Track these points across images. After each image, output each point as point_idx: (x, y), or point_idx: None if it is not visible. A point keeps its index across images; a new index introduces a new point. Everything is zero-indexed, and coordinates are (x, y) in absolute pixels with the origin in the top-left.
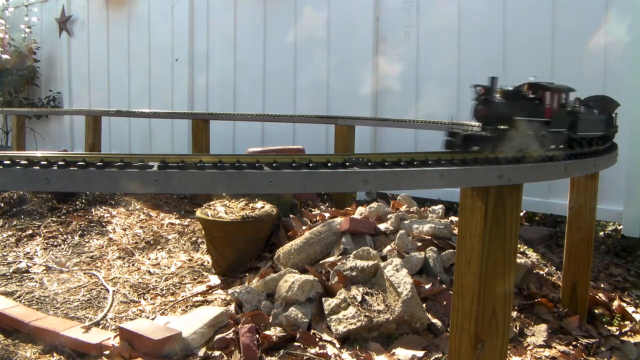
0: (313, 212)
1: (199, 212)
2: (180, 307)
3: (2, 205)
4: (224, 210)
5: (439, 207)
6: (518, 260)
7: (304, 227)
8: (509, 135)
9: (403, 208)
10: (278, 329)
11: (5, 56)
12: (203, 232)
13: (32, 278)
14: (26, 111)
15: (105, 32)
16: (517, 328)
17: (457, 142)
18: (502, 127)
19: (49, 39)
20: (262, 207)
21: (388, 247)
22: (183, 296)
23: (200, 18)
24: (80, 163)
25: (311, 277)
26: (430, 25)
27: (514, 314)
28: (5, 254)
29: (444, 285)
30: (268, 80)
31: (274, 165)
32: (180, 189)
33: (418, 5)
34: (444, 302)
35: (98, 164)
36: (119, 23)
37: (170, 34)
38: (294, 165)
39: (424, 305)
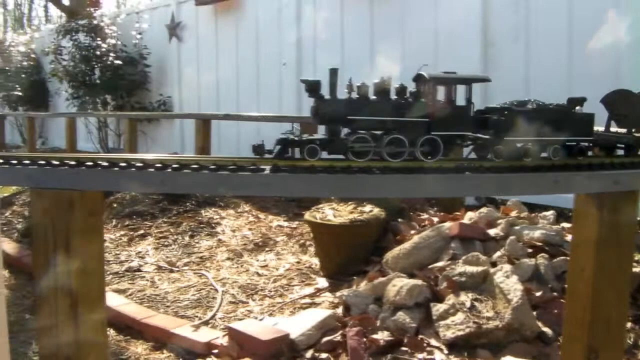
0: (421, 217)
1: (307, 215)
2: (288, 308)
3: (115, 205)
4: (332, 213)
5: (550, 213)
6: (633, 269)
7: (412, 232)
8: (337, 140)
9: (513, 213)
10: (385, 333)
11: (117, 62)
12: (311, 234)
13: (144, 277)
14: (138, 115)
15: (214, 37)
16: (632, 339)
17: (271, 147)
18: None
19: (159, 44)
20: (371, 211)
21: (498, 253)
22: (291, 298)
23: (306, 22)
24: (194, 166)
25: (419, 282)
26: (541, 27)
27: (628, 324)
28: (118, 252)
29: (555, 293)
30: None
31: (382, 169)
32: (288, 192)
33: (528, 6)
34: (555, 311)
35: (211, 167)
36: (227, 28)
37: (278, 39)
38: (403, 170)
39: (534, 313)
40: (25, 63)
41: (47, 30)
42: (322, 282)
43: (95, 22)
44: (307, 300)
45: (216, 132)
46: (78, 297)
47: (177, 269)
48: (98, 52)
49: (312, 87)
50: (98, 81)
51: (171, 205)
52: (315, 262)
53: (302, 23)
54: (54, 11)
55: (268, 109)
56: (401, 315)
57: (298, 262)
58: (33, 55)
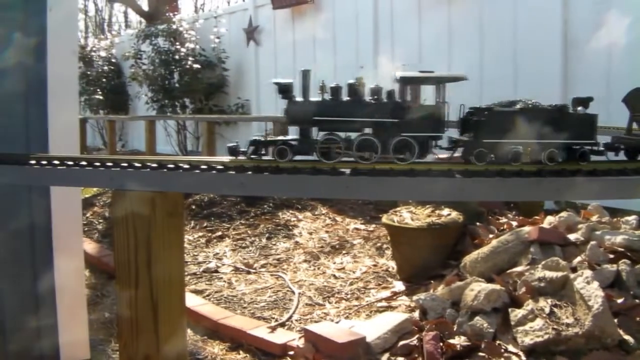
0: (500, 221)
1: (384, 218)
2: (364, 311)
3: (193, 207)
4: (410, 216)
5: (632, 218)
6: None
7: (490, 236)
8: (306, 141)
9: (594, 218)
10: (462, 337)
11: (196, 65)
12: (388, 237)
13: (221, 278)
14: (216, 118)
15: (291, 41)
16: None
17: (245, 148)
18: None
19: (237, 48)
20: (449, 215)
21: (578, 259)
22: (367, 301)
23: (383, 24)
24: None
25: (497, 287)
26: (624, 25)
27: None
28: (196, 254)
29: (637, 300)
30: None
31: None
32: (366, 195)
33: (610, 5)
34: (638, 318)
35: (291, 169)
36: (304, 31)
37: (355, 41)
38: (484, 173)
39: (615, 320)
40: (106, 67)
41: (127, 35)
42: (399, 286)
43: (174, 26)
44: (384, 303)
45: (294, 134)
46: (158, 297)
47: (254, 271)
48: (177, 56)
49: (284, 89)
50: (177, 85)
51: (249, 208)
52: (392, 265)
53: (379, 25)
54: (134, 17)
55: None
56: (478, 320)
57: (375, 265)
58: (113, 60)
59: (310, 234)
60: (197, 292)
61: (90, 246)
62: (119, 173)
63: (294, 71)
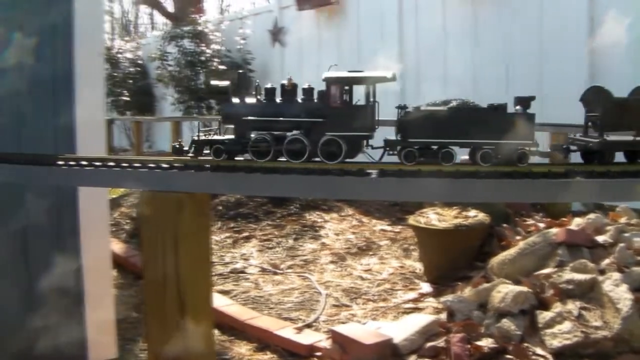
0: (527, 222)
1: (411, 219)
2: (391, 313)
3: (220, 208)
4: (436, 217)
5: None
6: None
7: (517, 237)
8: (239, 141)
9: (622, 220)
10: (489, 340)
11: (221, 67)
12: (415, 239)
13: (248, 278)
14: None
15: (315, 42)
16: None
17: (188, 147)
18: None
19: (262, 49)
20: (475, 216)
21: (606, 261)
22: (394, 302)
23: (408, 25)
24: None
25: (525, 289)
26: None
27: None
28: (222, 254)
29: None
30: (478, 88)
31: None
32: (417, 197)
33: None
34: None
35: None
36: (329, 32)
37: (380, 43)
38: (513, 174)
39: None
40: (132, 69)
41: (152, 37)
42: (426, 287)
43: (199, 28)
44: (411, 305)
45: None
46: (186, 297)
47: (280, 272)
48: (202, 58)
49: (219, 91)
50: (202, 86)
51: (275, 208)
52: (419, 266)
53: (403, 26)
54: (159, 18)
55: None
56: (506, 323)
57: (401, 267)
58: (139, 62)
59: (337, 235)
60: (224, 292)
61: (117, 246)
62: (146, 174)
63: (319, 71)
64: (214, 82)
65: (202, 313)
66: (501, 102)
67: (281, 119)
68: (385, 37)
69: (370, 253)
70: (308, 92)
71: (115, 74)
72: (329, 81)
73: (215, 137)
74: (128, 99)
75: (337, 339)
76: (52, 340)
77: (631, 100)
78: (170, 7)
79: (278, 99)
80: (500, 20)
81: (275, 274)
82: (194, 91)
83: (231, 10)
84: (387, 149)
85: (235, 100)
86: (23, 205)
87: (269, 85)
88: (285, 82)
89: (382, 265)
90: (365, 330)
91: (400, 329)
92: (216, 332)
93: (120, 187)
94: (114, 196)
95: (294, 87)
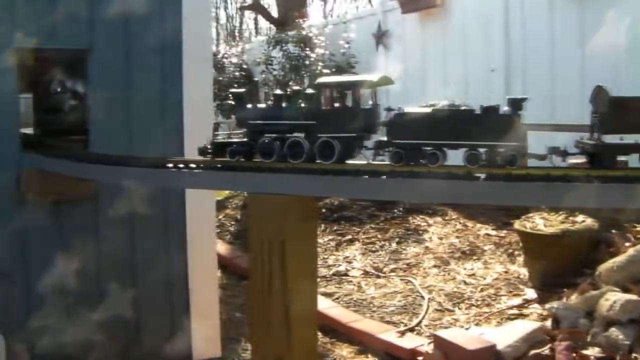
0: (637, 228)
1: (517, 224)
2: (494, 318)
3: (324, 210)
4: (542, 223)
5: None
6: None
7: (627, 244)
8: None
9: None
10: (596, 349)
11: (326, 70)
12: (520, 244)
13: (350, 281)
14: None
15: (420, 45)
16: None
17: (206, 149)
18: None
19: (366, 53)
20: (583, 221)
21: None
22: (498, 308)
23: (514, 26)
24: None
25: (634, 297)
26: None
27: None
28: (325, 257)
29: None
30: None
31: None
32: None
33: None
34: None
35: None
36: (434, 35)
37: (485, 44)
38: (618, 178)
39: None
40: (237, 73)
41: (257, 42)
42: (531, 293)
43: (303, 32)
44: (515, 311)
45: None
46: (291, 298)
47: (383, 275)
48: (307, 62)
49: (237, 97)
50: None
51: (379, 212)
52: (524, 272)
53: (509, 27)
54: (264, 23)
55: None
56: (614, 332)
57: (506, 272)
58: (244, 66)
59: (441, 239)
60: (327, 294)
61: (222, 248)
62: (253, 177)
63: (424, 75)
64: (232, 90)
65: (307, 316)
66: (493, 104)
67: (280, 122)
68: (491, 39)
69: (474, 257)
70: (309, 97)
71: (221, 79)
72: (319, 86)
73: (233, 139)
74: (233, 102)
75: (440, 343)
76: (158, 338)
77: (634, 100)
78: (274, 12)
79: (282, 104)
80: (605, 18)
81: (378, 277)
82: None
83: (335, 15)
84: (378, 149)
85: (249, 105)
86: (132, 206)
87: (277, 92)
88: (292, 88)
89: (486, 270)
90: (468, 335)
91: (504, 335)
92: (318, 333)
93: (226, 189)
94: (219, 198)
95: (296, 92)
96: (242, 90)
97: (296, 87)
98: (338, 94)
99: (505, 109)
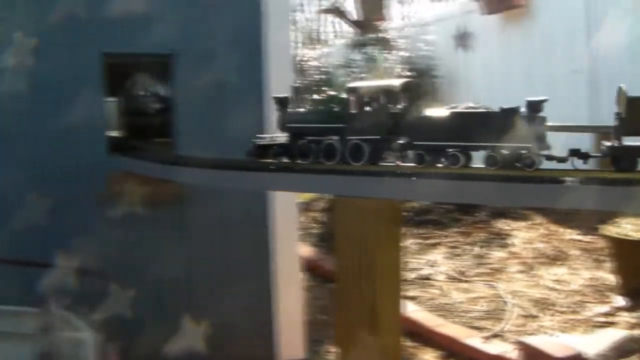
0: None
1: (604, 229)
2: (581, 326)
3: (408, 214)
4: (631, 228)
5: None
6: None
7: None
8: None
9: None
10: None
11: (406, 73)
12: (608, 249)
13: (434, 285)
14: None
15: (502, 46)
16: None
17: (252, 149)
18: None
19: (447, 55)
20: None
21: None
22: (585, 315)
23: (597, 27)
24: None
25: None
26: None
27: None
28: (409, 260)
29: None
30: None
31: None
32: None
33: None
34: None
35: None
36: (516, 36)
37: (568, 45)
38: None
39: None
40: (316, 77)
41: (337, 45)
42: (620, 301)
43: (384, 35)
44: (603, 318)
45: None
46: (377, 303)
47: (467, 279)
48: (387, 64)
49: (281, 102)
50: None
51: (462, 215)
52: (612, 278)
53: (592, 29)
54: (344, 26)
55: (558, 117)
56: None
57: (593, 278)
58: (324, 69)
59: (525, 243)
60: (410, 298)
61: (306, 250)
62: (340, 180)
63: (507, 77)
64: (275, 95)
65: (392, 319)
66: (512, 106)
67: (315, 125)
68: (575, 40)
69: (560, 263)
70: (340, 101)
71: (301, 82)
72: (349, 90)
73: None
74: (277, 106)
75: (525, 350)
76: (243, 340)
77: None
78: (354, 15)
79: (318, 108)
80: None
81: (462, 281)
82: None
83: (415, 17)
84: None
85: (290, 109)
86: (217, 208)
87: (314, 97)
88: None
89: (573, 276)
90: (554, 342)
91: (592, 344)
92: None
93: (313, 192)
94: (302, 201)
95: (330, 97)
96: (284, 95)
97: (331, 92)
98: (366, 99)
99: (522, 111)
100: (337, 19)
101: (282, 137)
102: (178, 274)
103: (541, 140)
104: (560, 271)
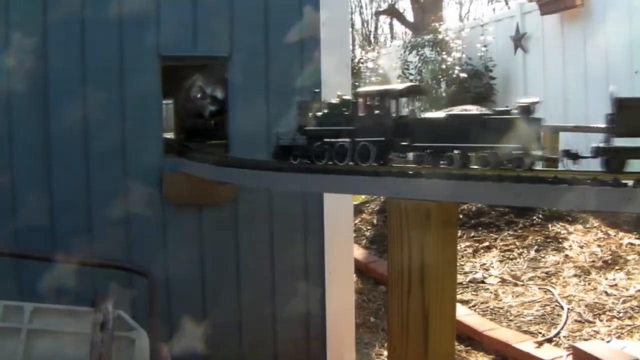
0: None
1: None
2: (638, 332)
3: (461, 216)
4: None
5: None
6: None
7: None
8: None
9: None
10: None
11: (463, 75)
12: None
13: (487, 289)
14: None
15: (560, 47)
16: None
17: (276, 150)
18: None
19: (504, 56)
20: None
21: None
22: None
23: None
24: (550, 179)
25: None
26: None
27: None
28: (462, 263)
29: None
30: None
31: None
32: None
33: None
34: None
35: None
36: (574, 36)
37: (628, 46)
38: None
39: None
40: (373, 78)
41: (393, 47)
42: None
43: (440, 36)
44: None
45: (564, 143)
46: (430, 306)
47: (521, 283)
48: (444, 66)
49: (302, 106)
50: (444, 94)
51: (517, 218)
52: None
53: None
54: (399, 28)
55: None
56: None
57: None
58: (380, 71)
59: (581, 247)
60: (463, 302)
61: (358, 252)
62: (394, 181)
63: (564, 78)
64: (298, 99)
65: (446, 323)
66: (505, 108)
67: (327, 128)
68: (635, 40)
69: (617, 267)
70: (352, 105)
71: (357, 84)
72: (356, 94)
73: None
74: (298, 111)
75: (579, 356)
76: (295, 341)
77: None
78: (410, 17)
79: (333, 112)
80: None
81: (516, 285)
82: (435, 99)
83: (471, 17)
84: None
85: (309, 113)
86: (271, 210)
87: (330, 101)
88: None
89: (629, 281)
90: (609, 348)
91: None
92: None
93: (364, 193)
94: (355, 202)
95: (343, 101)
96: (305, 99)
97: (345, 96)
98: (371, 102)
99: (513, 112)
100: (393, 20)
101: (301, 139)
102: (228, 275)
103: (534, 141)
104: (616, 276)
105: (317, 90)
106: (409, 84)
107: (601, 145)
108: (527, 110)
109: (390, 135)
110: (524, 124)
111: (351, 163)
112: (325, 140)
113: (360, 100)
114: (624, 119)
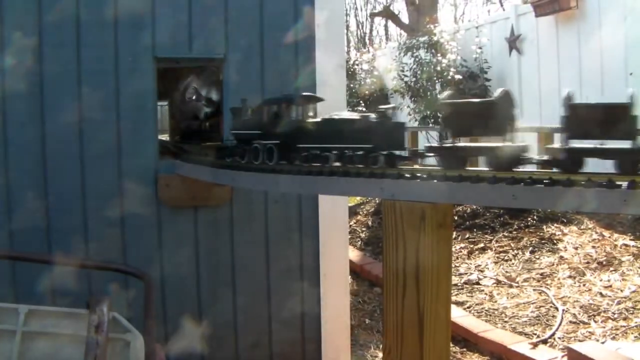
0: None
1: None
2: (632, 333)
3: (456, 218)
4: None
5: None
6: None
7: None
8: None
9: None
10: None
11: (457, 76)
12: None
13: (482, 290)
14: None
15: (554, 49)
16: None
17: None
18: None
19: (499, 58)
20: None
21: None
22: (636, 322)
23: None
24: (545, 181)
25: None
26: None
27: None
28: (457, 265)
29: None
30: None
31: None
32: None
33: None
34: None
35: (564, 181)
36: (569, 39)
37: (623, 48)
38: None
39: None
40: (368, 80)
41: (388, 48)
42: None
43: (435, 38)
44: None
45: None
46: (425, 308)
47: (516, 284)
48: (438, 68)
49: (233, 112)
50: (439, 96)
51: (512, 220)
52: None
53: None
54: (394, 30)
55: None
56: None
57: None
58: (375, 73)
59: (576, 248)
60: (458, 303)
61: (353, 254)
62: (390, 184)
63: (559, 80)
64: (231, 107)
65: (441, 325)
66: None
67: (247, 132)
68: (630, 42)
69: (611, 269)
70: (264, 110)
71: (352, 85)
72: (263, 102)
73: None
74: (364, 109)
75: (574, 357)
76: (289, 344)
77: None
78: (405, 18)
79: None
80: None
81: (511, 286)
82: (430, 101)
83: (466, 19)
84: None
85: (237, 118)
86: (266, 212)
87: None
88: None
89: (624, 282)
90: (603, 349)
91: None
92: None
93: (359, 195)
94: (350, 204)
95: (260, 108)
96: (235, 105)
97: (260, 103)
98: (274, 109)
99: (372, 116)
100: (388, 22)
101: (232, 140)
102: (223, 277)
103: (396, 141)
104: (611, 277)
105: (245, 98)
106: (306, 93)
107: (556, 146)
108: (384, 115)
109: (289, 138)
110: (382, 127)
111: (268, 162)
112: (246, 141)
113: (267, 107)
114: (575, 122)
